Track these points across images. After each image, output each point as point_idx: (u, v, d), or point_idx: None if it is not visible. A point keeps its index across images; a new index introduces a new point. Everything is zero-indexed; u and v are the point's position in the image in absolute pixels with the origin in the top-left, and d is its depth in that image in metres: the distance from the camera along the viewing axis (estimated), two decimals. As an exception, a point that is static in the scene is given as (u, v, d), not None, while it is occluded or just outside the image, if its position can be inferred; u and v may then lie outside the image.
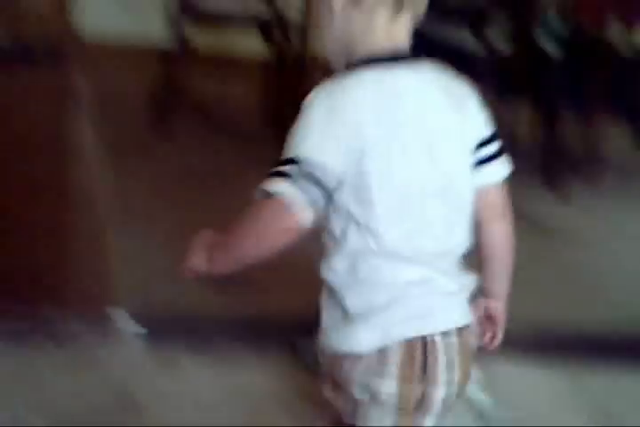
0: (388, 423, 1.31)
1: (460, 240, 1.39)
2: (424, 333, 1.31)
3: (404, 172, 1.31)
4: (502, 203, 1.44)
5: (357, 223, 1.30)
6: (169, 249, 3.03)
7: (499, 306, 1.49)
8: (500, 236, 1.44)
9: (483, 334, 1.50)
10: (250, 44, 4.89)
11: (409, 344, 1.29)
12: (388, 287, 1.30)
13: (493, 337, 1.51)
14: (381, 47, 1.35)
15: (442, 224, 1.36)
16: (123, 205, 3.10)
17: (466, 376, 1.38)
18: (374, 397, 1.28)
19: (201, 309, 2.76)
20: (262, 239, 1.28)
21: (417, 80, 1.37)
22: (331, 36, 1.36)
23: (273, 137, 4.27)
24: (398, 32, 1.35)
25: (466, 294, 1.41)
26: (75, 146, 3.79)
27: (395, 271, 1.31)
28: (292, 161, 1.29)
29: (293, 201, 1.27)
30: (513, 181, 1.48)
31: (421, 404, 1.31)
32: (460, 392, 1.39)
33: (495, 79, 3.89)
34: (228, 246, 1.33)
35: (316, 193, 1.28)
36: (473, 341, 1.40)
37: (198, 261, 1.36)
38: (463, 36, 4.03)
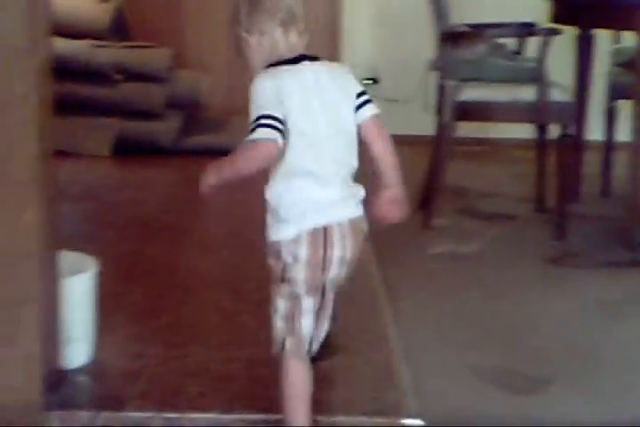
0: (302, 275, 2.12)
1: (351, 160, 2.17)
2: (324, 223, 2.12)
3: (309, 121, 2.12)
4: (376, 130, 2.20)
5: (286, 155, 2.11)
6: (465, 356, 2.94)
7: (396, 191, 2.21)
8: (379, 148, 2.20)
9: (390, 211, 2.21)
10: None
11: (315, 230, 2.12)
12: (304, 201, 2.12)
13: (398, 213, 2.22)
14: (284, 53, 2.20)
15: (338, 150, 2.14)
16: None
17: (356, 246, 2.14)
18: (295, 258, 2.12)
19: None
20: (252, 161, 2.10)
21: (313, 65, 2.18)
22: (254, 56, 2.22)
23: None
24: (292, 42, 2.20)
25: (356, 198, 2.17)
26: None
27: (309, 190, 2.11)
28: (260, 118, 2.07)
29: (271, 137, 2.06)
30: None
31: (324, 262, 2.11)
32: (351, 263, 2.15)
33: None
34: (229, 163, 2.13)
35: (278, 133, 2.07)
36: (363, 225, 2.17)
37: (210, 176, 2.13)
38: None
